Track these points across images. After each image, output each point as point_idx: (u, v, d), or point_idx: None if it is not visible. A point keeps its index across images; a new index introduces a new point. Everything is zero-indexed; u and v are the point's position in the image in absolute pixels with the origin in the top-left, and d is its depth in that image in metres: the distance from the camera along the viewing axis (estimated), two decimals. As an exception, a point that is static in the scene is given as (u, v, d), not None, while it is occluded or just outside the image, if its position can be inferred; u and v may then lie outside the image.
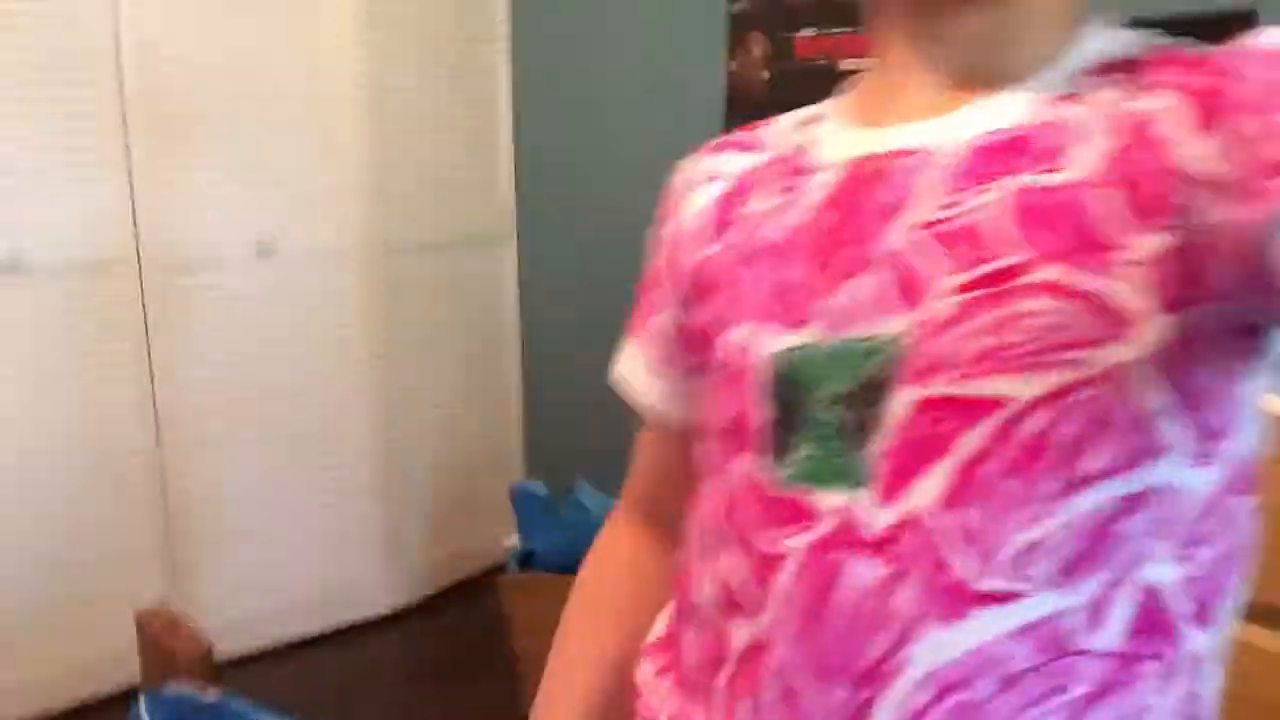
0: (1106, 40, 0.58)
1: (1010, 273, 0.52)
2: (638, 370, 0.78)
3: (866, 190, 0.59)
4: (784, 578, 0.57)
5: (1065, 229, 0.52)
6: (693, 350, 0.68)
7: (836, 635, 0.55)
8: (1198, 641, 0.55)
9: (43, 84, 2.25)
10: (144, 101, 2.38)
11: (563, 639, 0.83)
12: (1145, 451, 0.51)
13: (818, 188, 0.62)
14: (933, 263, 0.54)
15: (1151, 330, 0.50)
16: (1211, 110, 0.49)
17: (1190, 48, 0.54)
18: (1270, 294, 0.45)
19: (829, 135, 0.65)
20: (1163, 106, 0.52)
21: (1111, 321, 0.50)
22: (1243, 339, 0.51)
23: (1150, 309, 0.50)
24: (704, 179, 0.72)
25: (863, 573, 0.54)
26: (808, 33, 2.48)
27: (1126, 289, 0.50)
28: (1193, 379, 0.51)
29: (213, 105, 2.48)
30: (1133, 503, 0.51)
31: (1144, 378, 0.50)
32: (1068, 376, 0.50)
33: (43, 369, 2.32)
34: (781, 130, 0.70)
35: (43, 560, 2.34)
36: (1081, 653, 0.52)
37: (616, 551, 0.85)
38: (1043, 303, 0.51)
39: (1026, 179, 0.54)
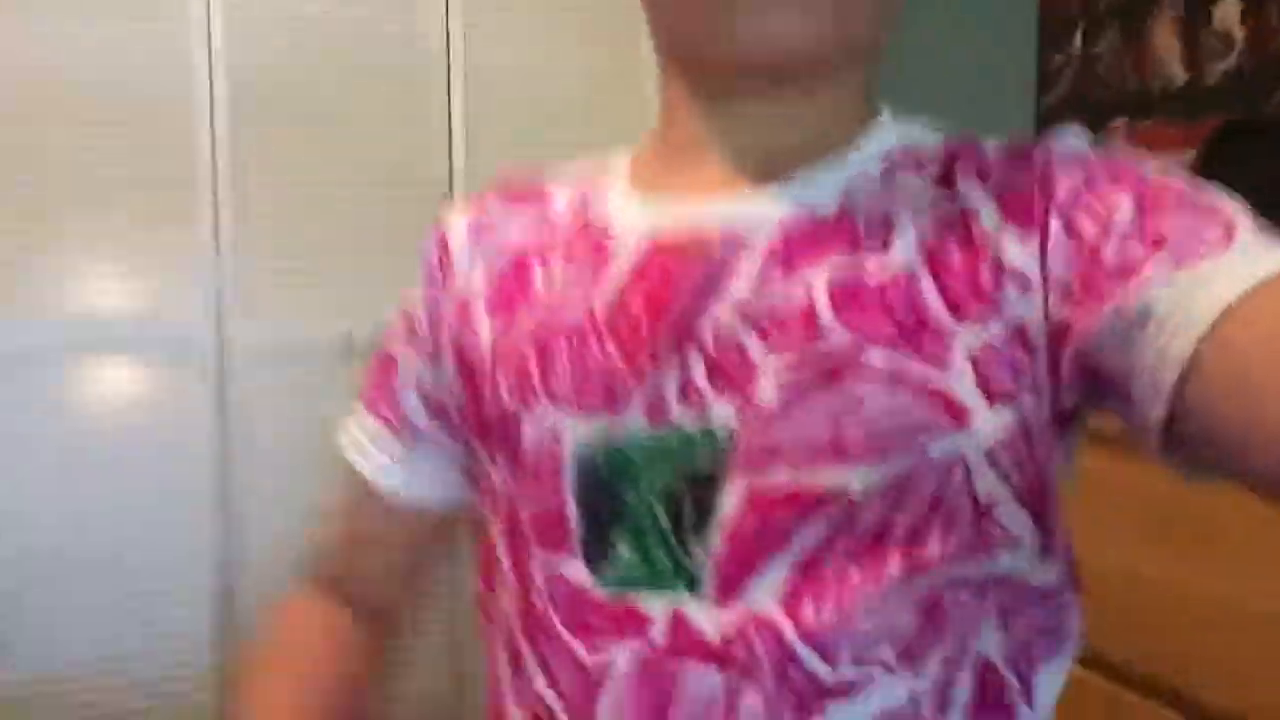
0: (902, 130, 0.58)
1: (838, 358, 0.50)
2: (377, 444, 0.68)
3: (676, 268, 0.55)
4: (612, 695, 0.52)
5: (887, 315, 0.50)
6: (482, 435, 0.61)
7: None
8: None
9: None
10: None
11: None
12: (993, 542, 0.50)
13: (621, 262, 0.57)
14: (755, 347, 0.52)
15: (986, 421, 0.49)
16: (1030, 210, 0.50)
17: (992, 144, 0.55)
18: (1105, 391, 0.48)
19: (620, 202, 0.61)
20: (978, 199, 0.52)
21: (946, 411, 0.49)
22: (1061, 425, 0.51)
23: (982, 400, 0.49)
24: (475, 238, 0.66)
25: (703, 681, 0.50)
26: (1118, 121, 2.33)
27: (955, 379, 0.49)
28: (1025, 469, 0.50)
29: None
30: (973, 587, 0.51)
31: (980, 469, 0.49)
32: (906, 466, 0.49)
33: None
34: (566, 181, 0.66)
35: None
36: None
37: (312, 627, 0.72)
38: (876, 390, 0.49)
39: (841, 261, 0.52)
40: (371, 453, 0.68)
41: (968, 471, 0.49)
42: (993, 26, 2.42)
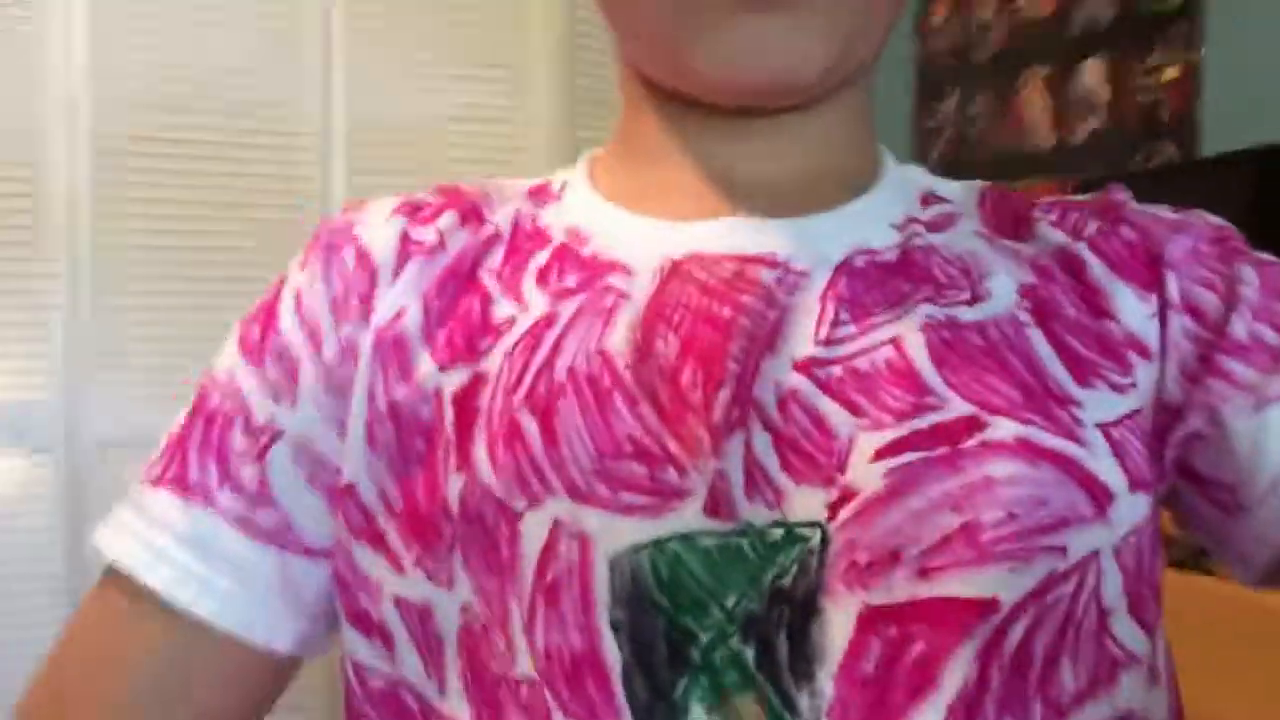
0: (913, 170, 0.50)
1: (956, 428, 0.39)
2: (209, 557, 0.44)
3: (718, 307, 0.42)
4: None
5: (1002, 375, 0.41)
6: (424, 539, 0.41)
7: None
8: None
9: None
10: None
11: None
12: (1115, 663, 0.40)
13: (632, 296, 0.43)
14: (838, 418, 0.39)
15: (1124, 511, 0.39)
16: (1141, 267, 0.43)
17: (1035, 196, 0.48)
18: (1190, 492, 0.42)
19: (600, 220, 0.47)
20: (1074, 247, 0.45)
21: (1090, 494, 0.39)
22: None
23: (1123, 484, 0.40)
24: (407, 252, 0.46)
25: None
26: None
27: (1093, 454, 0.39)
28: (1140, 572, 0.41)
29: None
30: None
31: (1110, 571, 0.39)
32: (1047, 569, 0.38)
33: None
34: (501, 197, 0.50)
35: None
36: None
37: None
38: (1014, 468, 0.38)
39: (930, 310, 0.42)
40: (202, 575, 0.44)
41: (1099, 577, 0.39)
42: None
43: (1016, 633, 0.38)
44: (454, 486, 0.40)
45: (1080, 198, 0.48)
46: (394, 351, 0.44)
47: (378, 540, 0.42)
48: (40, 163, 2.03)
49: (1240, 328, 0.42)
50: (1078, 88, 2.08)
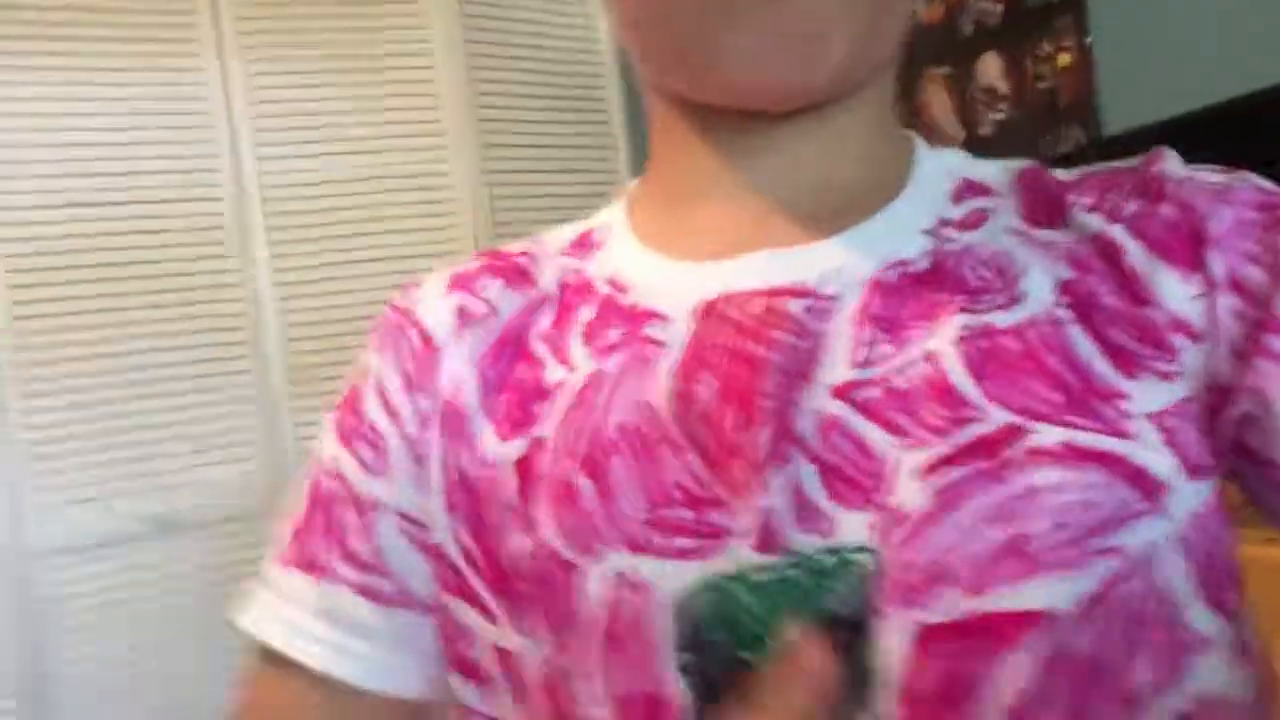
0: (944, 157, 0.49)
1: (998, 440, 0.39)
2: (343, 626, 0.48)
3: (751, 346, 0.43)
4: None
5: (1042, 379, 0.40)
6: (502, 592, 0.43)
7: None
8: None
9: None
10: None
11: None
12: (1189, 650, 0.39)
13: (670, 344, 0.44)
14: (880, 438, 0.40)
15: (1182, 499, 0.39)
16: (1183, 246, 0.42)
17: (1076, 172, 0.47)
18: (1250, 471, 0.41)
19: (634, 267, 0.48)
20: (1113, 232, 0.43)
21: (1141, 489, 0.38)
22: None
23: (1179, 472, 0.39)
24: (464, 324, 0.49)
25: None
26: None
27: (1144, 448, 0.39)
28: (1214, 557, 0.40)
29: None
30: (1197, 716, 0.39)
31: (1174, 560, 0.39)
32: (1106, 570, 0.37)
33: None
34: (546, 255, 0.52)
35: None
36: None
37: None
38: (1059, 475, 0.38)
39: (965, 320, 0.42)
40: (341, 642, 0.47)
41: (1164, 569, 0.38)
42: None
43: (1079, 639, 0.37)
44: (519, 546, 0.43)
45: (1120, 165, 0.46)
46: (458, 424, 0.47)
47: (470, 595, 0.45)
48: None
49: None
50: (978, 82, 2.14)
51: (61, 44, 2.08)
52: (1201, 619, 0.39)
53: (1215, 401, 0.41)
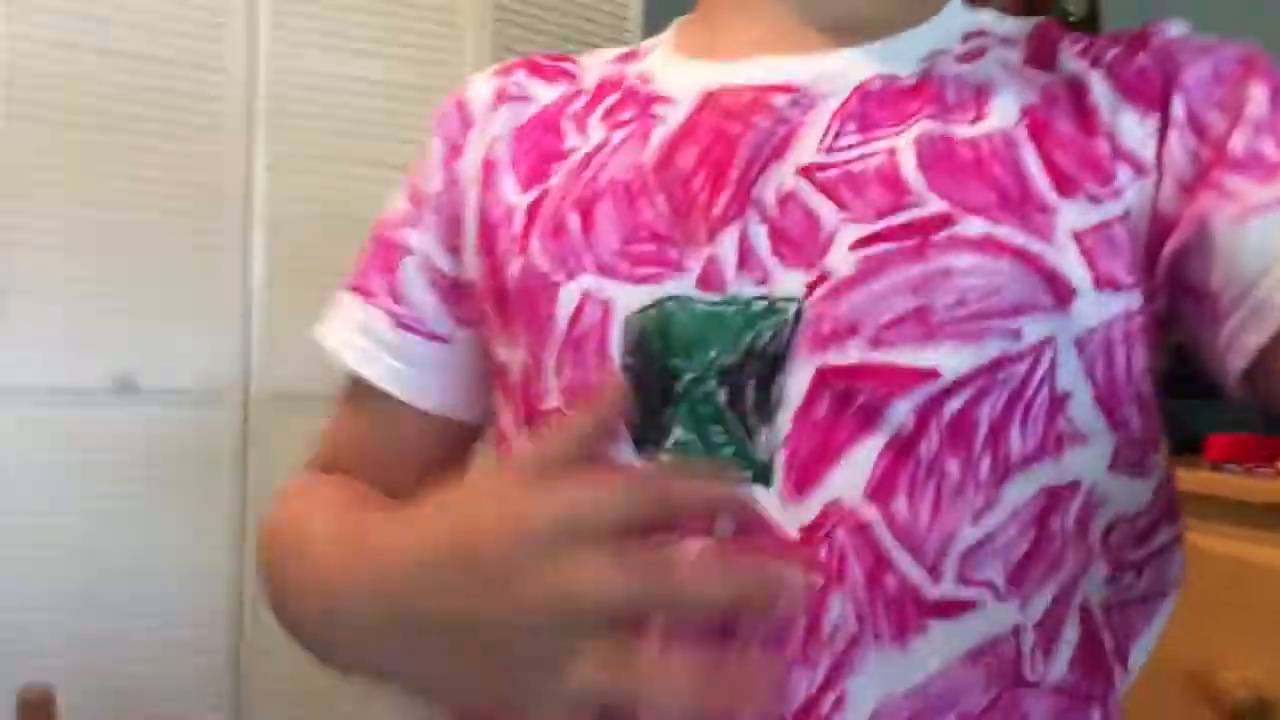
0: (981, 13, 0.54)
1: (928, 224, 0.44)
2: (377, 341, 0.59)
3: (732, 126, 0.50)
4: None
5: (982, 181, 0.45)
6: (501, 308, 0.53)
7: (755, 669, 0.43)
8: (1118, 689, 0.48)
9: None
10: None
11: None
12: (1063, 437, 0.45)
13: (668, 120, 0.52)
14: (828, 211, 0.46)
15: (1087, 305, 0.44)
16: (1150, 89, 0.46)
17: (1083, 33, 0.51)
18: (1183, 302, 0.45)
19: (666, 64, 0.56)
20: (1087, 74, 0.48)
21: (1049, 288, 0.44)
22: (1153, 332, 0.47)
23: (1088, 282, 0.44)
24: (501, 102, 0.59)
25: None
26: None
27: (1059, 254, 0.44)
28: (1111, 367, 0.45)
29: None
30: (1063, 495, 0.45)
31: (1067, 357, 0.44)
32: (997, 349, 0.43)
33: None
34: (594, 64, 0.60)
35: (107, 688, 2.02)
36: (1032, 686, 0.45)
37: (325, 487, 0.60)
38: (973, 260, 0.43)
39: (929, 125, 0.47)
40: (367, 347, 0.59)
41: (1053, 361, 0.44)
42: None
43: (959, 399, 0.43)
44: (514, 267, 0.52)
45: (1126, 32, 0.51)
46: (490, 174, 0.56)
47: (484, 317, 0.55)
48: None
49: (1239, 142, 0.44)
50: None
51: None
52: (1086, 417, 0.45)
53: (1156, 232, 0.45)
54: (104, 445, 2.03)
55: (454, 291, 0.58)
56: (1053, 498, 0.45)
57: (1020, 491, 0.44)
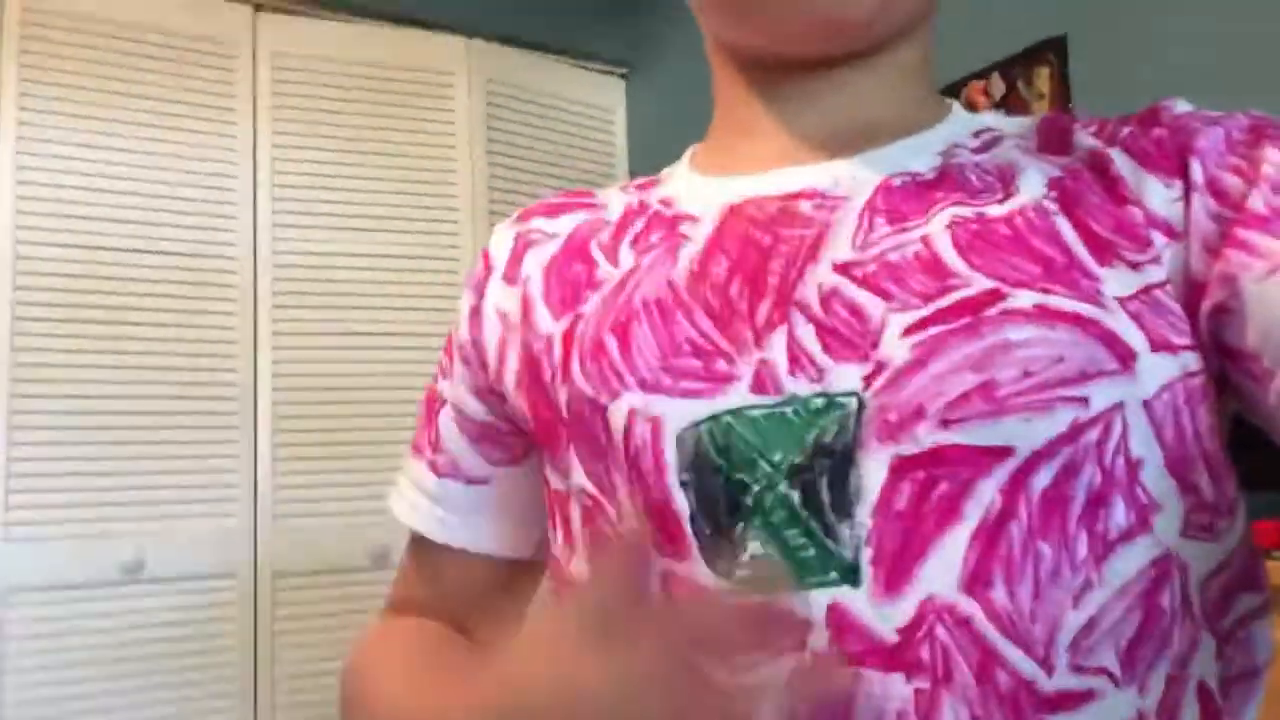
0: (983, 115, 0.55)
1: (977, 302, 0.44)
2: (427, 493, 0.63)
3: (761, 235, 0.50)
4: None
5: (1024, 254, 0.45)
6: (551, 439, 0.53)
7: None
8: None
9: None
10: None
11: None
12: (1144, 506, 0.43)
13: (695, 237, 0.52)
14: (873, 303, 0.46)
15: (1149, 367, 0.43)
16: (1168, 157, 0.47)
17: (1097, 119, 0.52)
18: (1225, 363, 0.44)
19: (684, 188, 0.57)
20: (1108, 152, 0.48)
21: (1112, 350, 0.43)
22: (1218, 391, 0.46)
23: (1145, 343, 0.43)
24: (525, 247, 0.60)
25: (887, 691, 0.41)
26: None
27: (1114, 318, 0.43)
28: (1180, 431, 0.44)
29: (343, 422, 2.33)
30: (1162, 568, 0.43)
31: (1137, 424, 0.43)
32: (1070, 418, 0.42)
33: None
34: (613, 194, 0.62)
35: None
36: None
37: (407, 626, 0.65)
38: (1031, 330, 0.43)
39: (959, 210, 0.47)
40: (414, 499, 0.63)
41: (1125, 427, 0.43)
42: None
43: (1044, 475, 0.42)
44: (562, 396, 0.52)
45: (1098, 118, 0.52)
46: (527, 311, 0.57)
47: (530, 454, 0.58)
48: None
49: (1259, 201, 0.44)
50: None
51: (101, 95, 2.16)
52: (1158, 485, 0.43)
53: (1191, 297, 0.45)
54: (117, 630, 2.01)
55: (487, 435, 0.60)
56: (1155, 570, 0.43)
57: (1121, 568, 0.42)
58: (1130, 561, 0.43)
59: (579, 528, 0.51)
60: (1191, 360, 0.44)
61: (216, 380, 2.20)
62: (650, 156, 2.73)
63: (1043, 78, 2.01)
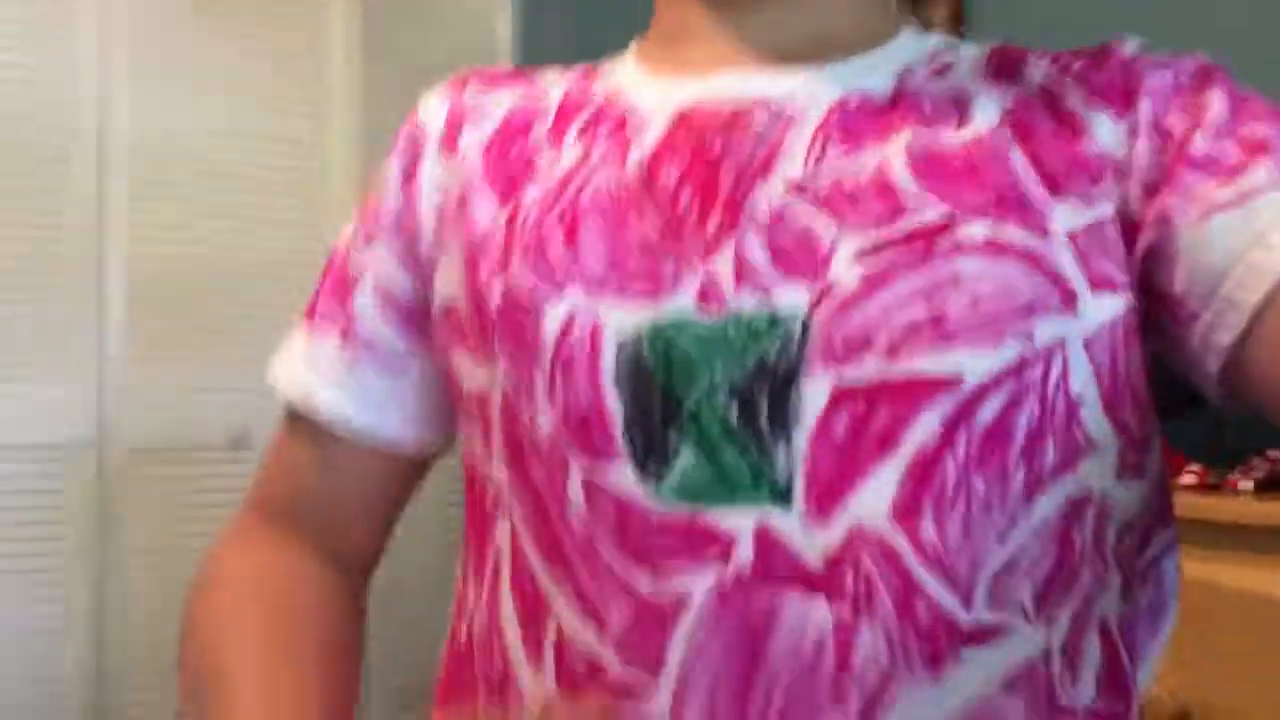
0: (934, 37, 0.54)
1: (930, 230, 0.44)
2: (321, 367, 0.57)
3: (712, 144, 0.49)
4: (687, 634, 0.42)
5: (977, 183, 0.45)
6: (480, 333, 0.50)
7: (777, 711, 0.41)
8: (1136, 705, 0.47)
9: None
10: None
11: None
12: (1079, 446, 0.44)
13: (644, 139, 0.51)
14: (824, 224, 0.45)
15: (1089, 307, 0.44)
16: (1119, 94, 0.47)
17: (1041, 51, 0.52)
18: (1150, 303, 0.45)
19: (631, 83, 0.55)
20: (1060, 83, 0.49)
21: (1056, 289, 0.43)
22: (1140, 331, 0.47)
23: (1085, 284, 0.44)
24: (460, 121, 0.57)
25: (808, 615, 0.42)
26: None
27: (1059, 255, 0.44)
28: (1115, 370, 0.45)
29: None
30: (1079, 508, 0.44)
31: (1078, 362, 0.44)
32: (1016, 352, 0.43)
33: None
34: (551, 78, 0.59)
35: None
36: (1067, 712, 0.44)
37: (279, 572, 0.57)
38: (981, 264, 0.43)
39: (915, 135, 0.47)
40: (312, 379, 0.57)
41: (1065, 365, 0.43)
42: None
43: (990, 407, 0.42)
44: (495, 288, 0.50)
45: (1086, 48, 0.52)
46: (466, 198, 0.54)
47: (459, 342, 0.52)
48: None
49: (1200, 144, 0.45)
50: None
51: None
52: (1096, 421, 0.44)
53: (1129, 237, 0.46)
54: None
55: (413, 316, 0.56)
56: (1074, 510, 0.44)
57: (1046, 506, 0.43)
58: (1054, 500, 0.43)
59: (498, 430, 0.49)
60: (1129, 299, 0.45)
61: (65, 254, 2.10)
62: (538, 60, 2.65)
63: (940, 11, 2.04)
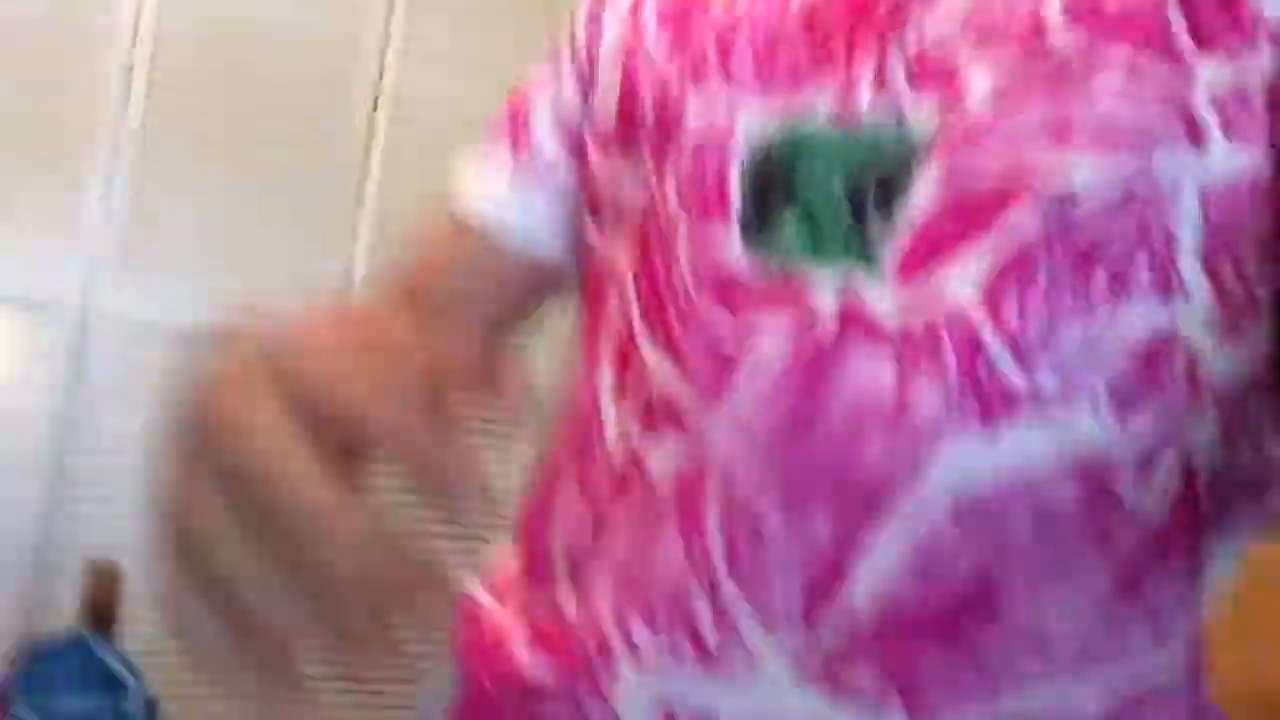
0: None
1: (1069, 54, 0.44)
2: (492, 172, 0.62)
3: None
4: (751, 372, 0.46)
5: (1127, 26, 0.45)
6: (628, 135, 0.55)
7: (832, 449, 0.44)
8: (1209, 575, 0.47)
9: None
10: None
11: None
12: (1171, 286, 0.43)
13: None
14: (966, 50, 0.46)
15: (1219, 154, 0.43)
16: None
17: None
18: None
19: None
20: None
21: (1184, 123, 0.43)
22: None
23: (1219, 131, 0.43)
24: None
25: (871, 366, 0.44)
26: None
27: (1197, 96, 0.43)
28: (1228, 229, 0.44)
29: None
30: (1171, 343, 0.43)
31: (1190, 205, 0.43)
32: (1132, 169, 0.43)
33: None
34: None
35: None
36: (1126, 513, 0.43)
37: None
38: (1114, 82, 0.43)
39: None
40: (482, 181, 0.62)
41: (1177, 202, 0.43)
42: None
43: (1091, 213, 0.43)
44: (645, 77, 0.55)
45: None
46: (632, 20, 0.58)
47: (620, 147, 0.56)
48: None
49: None
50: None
51: None
52: (1190, 270, 0.44)
53: (1276, 102, 0.44)
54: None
55: (581, 148, 0.59)
56: (1160, 343, 0.43)
57: (1133, 324, 0.43)
58: (1140, 321, 0.43)
59: (631, 224, 0.53)
60: (1261, 160, 0.44)
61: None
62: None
63: None
